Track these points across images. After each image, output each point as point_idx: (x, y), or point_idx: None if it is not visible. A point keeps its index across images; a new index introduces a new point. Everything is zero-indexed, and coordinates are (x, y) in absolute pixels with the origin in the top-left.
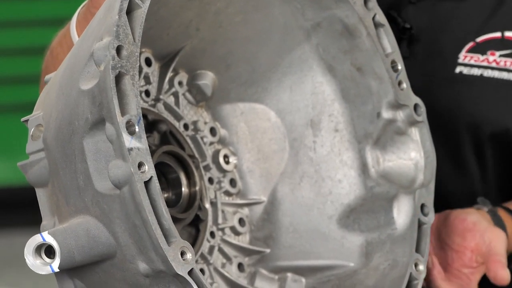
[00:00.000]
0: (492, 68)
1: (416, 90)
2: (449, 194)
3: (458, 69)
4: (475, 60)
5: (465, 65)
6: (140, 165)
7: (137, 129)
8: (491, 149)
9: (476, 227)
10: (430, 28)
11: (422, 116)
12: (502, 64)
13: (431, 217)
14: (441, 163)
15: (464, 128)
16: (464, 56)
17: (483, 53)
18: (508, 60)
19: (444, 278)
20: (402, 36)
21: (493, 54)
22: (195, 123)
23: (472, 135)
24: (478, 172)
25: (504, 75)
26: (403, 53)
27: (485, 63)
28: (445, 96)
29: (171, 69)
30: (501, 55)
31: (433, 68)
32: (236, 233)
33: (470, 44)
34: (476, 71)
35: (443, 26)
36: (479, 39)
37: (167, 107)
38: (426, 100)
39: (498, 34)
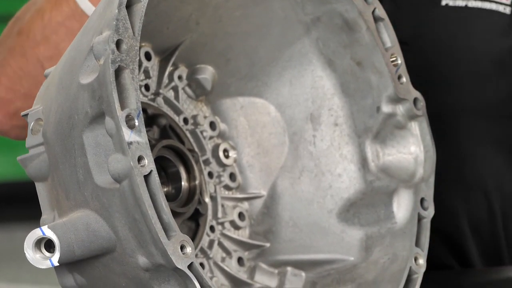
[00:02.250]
0: None
1: (406, 32)
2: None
3: (444, 2)
4: None
5: None
6: (139, 159)
7: (136, 123)
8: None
9: None
10: None
11: (422, 110)
12: None
13: (430, 211)
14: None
15: (460, 59)
16: None
17: None
18: None
19: None
20: None
21: None
22: (194, 117)
23: (468, 64)
24: None
25: (487, 5)
26: None
27: None
28: (435, 29)
29: (170, 63)
30: None
31: (419, 3)
32: (236, 227)
33: None
34: (460, 2)
35: None
36: None
37: (166, 101)
38: (418, 37)
39: None
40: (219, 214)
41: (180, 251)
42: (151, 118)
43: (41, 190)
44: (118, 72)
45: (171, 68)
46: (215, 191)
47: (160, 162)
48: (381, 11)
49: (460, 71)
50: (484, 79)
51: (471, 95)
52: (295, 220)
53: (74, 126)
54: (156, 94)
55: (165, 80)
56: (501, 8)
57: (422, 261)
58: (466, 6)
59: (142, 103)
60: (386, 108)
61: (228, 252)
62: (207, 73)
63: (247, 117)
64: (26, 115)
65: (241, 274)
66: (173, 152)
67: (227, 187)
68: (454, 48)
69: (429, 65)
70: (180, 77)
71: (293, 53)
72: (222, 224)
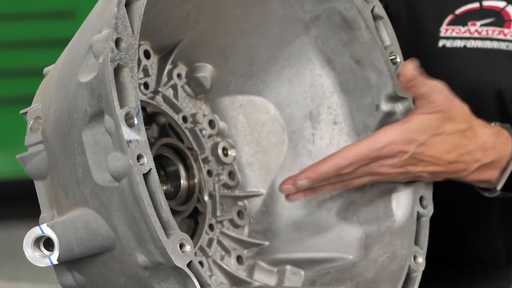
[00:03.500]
0: (475, 38)
1: None
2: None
3: (441, 43)
4: (457, 32)
5: (447, 38)
6: (139, 157)
7: (136, 121)
8: (493, 112)
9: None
10: (408, 5)
11: None
12: (484, 33)
13: (429, 210)
14: None
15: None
16: (445, 30)
17: (463, 24)
18: (490, 29)
19: None
20: None
21: (474, 25)
22: (194, 115)
23: (467, 103)
24: None
25: (488, 44)
26: None
27: (467, 34)
28: (432, 70)
29: (170, 61)
30: (482, 25)
31: (416, 45)
32: (235, 225)
33: (450, 17)
34: (459, 43)
35: (421, 2)
36: (458, 11)
37: (166, 99)
38: None
39: (476, 5)
40: (218, 213)
41: (179, 250)
42: (150, 116)
43: (40, 188)
44: (117, 71)
45: (170, 66)
46: (214, 189)
47: (159, 161)
48: (380, 9)
49: None
50: (485, 117)
51: None
52: (294, 219)
53: (73, 124)
54: (155, 92)
55: (164, 78)
56: (503, 46)
57: (421, 260)
58: (464, 47)
59: (141, 101)
60: (385, 106)
61: (227, 251)
62: (206, 71)
63: (246, 116)
64: (25, 113)
65: (240, 272)
66: (172, 151)
67: (226, 186)
68: (453, 88)
69: None
70: (179, 75)
71: (292, 51)
72: (221, 222)
